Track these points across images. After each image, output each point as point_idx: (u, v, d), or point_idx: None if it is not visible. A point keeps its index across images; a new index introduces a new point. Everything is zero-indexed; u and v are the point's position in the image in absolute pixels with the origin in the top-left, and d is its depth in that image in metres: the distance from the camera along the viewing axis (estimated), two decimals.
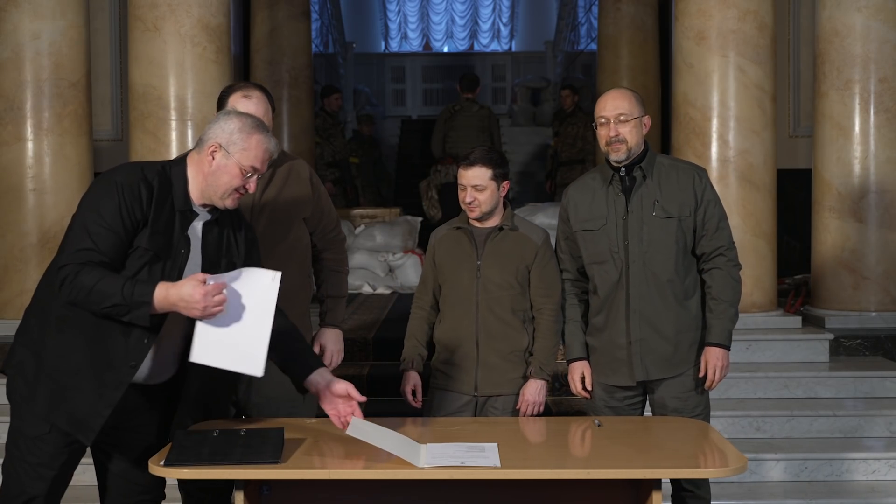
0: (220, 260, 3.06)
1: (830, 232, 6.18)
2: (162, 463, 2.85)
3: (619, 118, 3.56)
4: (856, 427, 5.20)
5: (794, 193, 7.71)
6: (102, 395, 2.92)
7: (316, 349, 3.71)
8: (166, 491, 3.26)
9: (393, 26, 18.43)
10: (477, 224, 3.81)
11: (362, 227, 8.38)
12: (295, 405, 3.58)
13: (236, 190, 2.98)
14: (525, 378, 3.79)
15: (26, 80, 5.84)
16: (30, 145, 5.85)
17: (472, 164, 3.72)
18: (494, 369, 3.75)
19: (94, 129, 6.29)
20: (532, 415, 3.75)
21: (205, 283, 2.82)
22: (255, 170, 2.98)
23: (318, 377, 3.13)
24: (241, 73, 9.46)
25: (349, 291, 3.91)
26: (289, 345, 3.14)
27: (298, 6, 9.32)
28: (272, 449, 2.90)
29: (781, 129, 7.87)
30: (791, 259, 7.99)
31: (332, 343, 3.74)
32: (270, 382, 3.53)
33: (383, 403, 5.21)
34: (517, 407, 3.78)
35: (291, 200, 3.57)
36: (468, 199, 3.73)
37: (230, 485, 2.97)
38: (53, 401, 2.94)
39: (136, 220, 2.89)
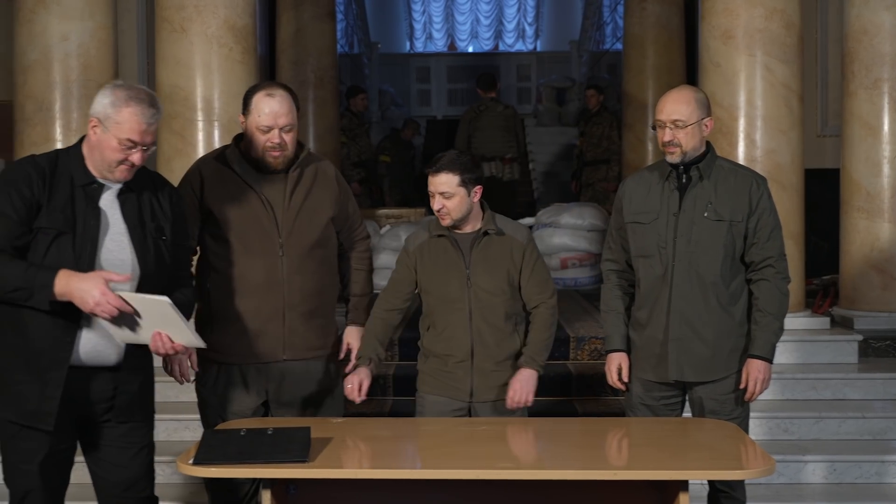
0: (145, 225, 3.05)
1: (859, 232, 6.13)
2: (190, 462, 2.87)
3: (674, 123, 3.52)
4: (885, 429, 5.15)
5: (821, 193, 7.65)
6: (45, 380, 2.93)
7: (343, 348, 3.72)
8: (167, 490, 3.24)
9: (418, 26, 18.46)
10: (458, 231, 3.69)
11: (388, 227, 8.37)
12: (322, 405, 3.60)
13: (121, 163, 2.94)
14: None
15: (55, 81, 5.87)
16: (59, 146, 5.88)
17: (438, 170, 3.59)
18: (489, 375, 3.68)
19: None
20: (520, 406, 3.60)
21: (107, 284, 2.83)
22: (133, 143, 2.92)
23: None
24: (267, 74, 9.49)
25: (374, 291, 3.90)
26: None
27: (324, 7, 9.35)
28: (299, 448, 2.91)
29: (809, 128, 7.80)
30: (819, 260, 7.93)
31: (357, 341, 3.73)
32: (299, 382, 3.56)
33: (406, 404, 5.21)
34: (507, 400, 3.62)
35: (319, 200, 3.59)
36: (437, 206, 3.62)
37: (256, 488, 2.98)
38: (1, 400, 2.96)
39: (29, 201, 2.88)
